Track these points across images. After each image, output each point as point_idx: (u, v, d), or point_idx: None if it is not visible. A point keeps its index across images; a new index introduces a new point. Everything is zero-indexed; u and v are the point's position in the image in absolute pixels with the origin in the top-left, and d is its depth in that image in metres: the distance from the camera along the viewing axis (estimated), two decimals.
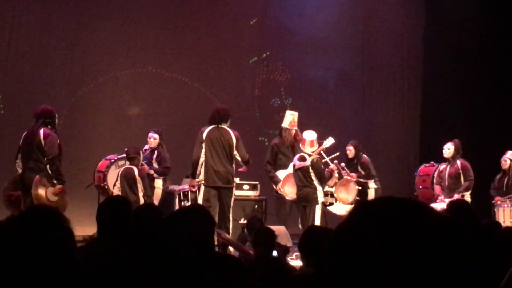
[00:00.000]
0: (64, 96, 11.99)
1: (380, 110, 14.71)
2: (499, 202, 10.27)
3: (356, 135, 13.95)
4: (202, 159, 9.13)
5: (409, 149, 14.55)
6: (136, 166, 9.26)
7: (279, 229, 8.17)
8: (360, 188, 10.37)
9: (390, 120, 14.70)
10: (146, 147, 10.23)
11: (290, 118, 10.24)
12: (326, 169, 9.69)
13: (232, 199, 9.21)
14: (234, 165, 9.24)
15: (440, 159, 10.74)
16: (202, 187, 9.13)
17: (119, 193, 9.13)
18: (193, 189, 9.38)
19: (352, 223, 1.20)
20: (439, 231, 1.16)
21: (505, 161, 10.65)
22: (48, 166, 8.33)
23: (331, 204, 10.21)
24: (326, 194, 9.66)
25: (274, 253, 5.81)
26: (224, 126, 9.23)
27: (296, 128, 10.17)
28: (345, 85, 14.61)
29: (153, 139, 10.28)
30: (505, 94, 13.21)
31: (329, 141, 9.81)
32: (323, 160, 9.87)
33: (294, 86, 14.11)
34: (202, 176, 9.12)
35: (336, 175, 10.11)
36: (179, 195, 9.73)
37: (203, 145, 9.13)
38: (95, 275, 3.03)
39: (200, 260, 2.49)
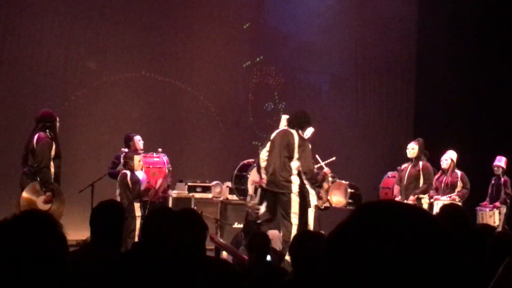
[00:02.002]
0: (57, 101, 11.96)
1: (374, 114, 14.74)
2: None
3: (350, 139, 14.00)
4: (263, 156, 8.91)
5: (402, 151, 14.56)
6: (130, 170, 9.25)
7: (273, 234, 8.16)
8: (353, 191, 10.34)
9: (383, 123, 14.73)
10: (125, 150, 10.17)
11: (284, 122, 10.23)
12: (320, 173, 9.69)
13: (289, 205, 8.74)
14: (293, 171, 8.81)
15: (434, 161, 10.71)
16: (259, 189, 8.99)
17: (119, 197, 9.15)
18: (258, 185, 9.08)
19: (349, 226, 1.20)
20: (434, 237, 1.16)
21: (446, 160, 10.49)
22: (37, 165, 8.28)
23: (326, 208, 10.18)
24: (319, 197, 9.65)
25: (268, 257, 5.81)
26: (293, 130, 8.95)
27: None
28: (339, 89, 14.63)
29: (142, 141, 10.34)
30: (502, 97, 13.20)
31: (309, 131, 9.82)
32: (318, 165, 9.88)
33: (287, 90, 14.11)
34: (264, 177, 8.91)
35: (330, 178, 10.11)
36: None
37: (268, 144, 8.95)
38: (88, 279, 3.02)
39: (190, 264, 2.49)
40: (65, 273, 1.39)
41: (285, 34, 13.87)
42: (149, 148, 10.60)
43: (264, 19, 13.96)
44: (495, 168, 11.22)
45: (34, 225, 2.18)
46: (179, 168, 12.06)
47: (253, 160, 10.54)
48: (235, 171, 10.56)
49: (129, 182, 9.17)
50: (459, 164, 10.70)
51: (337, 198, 10.21)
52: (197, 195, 10.97)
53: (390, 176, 11.34)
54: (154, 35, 12.91)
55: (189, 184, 11.09)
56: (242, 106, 13.87)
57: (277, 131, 9.07)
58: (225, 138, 13.27)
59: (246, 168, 10.41)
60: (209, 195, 10.97)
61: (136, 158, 9.47)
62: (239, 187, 10.47)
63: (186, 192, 10.97)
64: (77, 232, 8.38)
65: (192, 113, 13.24)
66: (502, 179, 11.18)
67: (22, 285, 1.31)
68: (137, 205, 9.14)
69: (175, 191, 10.93)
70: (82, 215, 8.55)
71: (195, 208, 10.19)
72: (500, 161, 11.24)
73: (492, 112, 13.34)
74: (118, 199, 9.11)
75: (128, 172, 9.22)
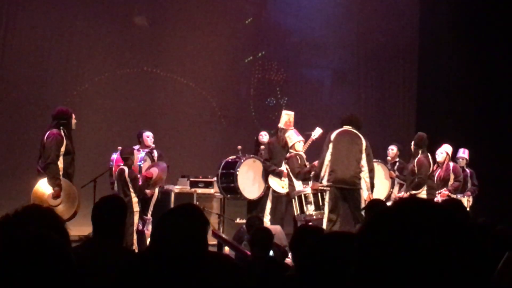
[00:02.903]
0: (59, 96, 11.97)
1: (376, 108, 14.73)
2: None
3: None
4: (327, 160, 9.07)
5: (404, 146, 14.56)
6: (129, 167, 9.24)
7: (275, 229, 8.17)
8: None
9: (385, 118, 14.72)
10: (137, 147, 10.19)
11: (285, 118, 10.24)
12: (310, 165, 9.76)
13: (360, 201, 8.95)
14: (362, 169, 9.05)
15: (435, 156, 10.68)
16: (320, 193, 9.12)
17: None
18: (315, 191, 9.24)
19: (385, 220, 1.24)
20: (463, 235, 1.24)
21: (442, 153, 10.38)
22: (44, 162, 8.36)
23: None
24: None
25: (271, 253, 5.81)
26: (356, 130, 9.20)
27: (292, 128, 10.18)
28: (341, 84, 14.62)
29: (152, 137, 10.31)
30: (504, 93, 13.16)
31: (317, 132, 9.88)
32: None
33: (289, 85, 14.11)
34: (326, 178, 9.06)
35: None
36: (300, 197, 9.35)
37: (330, 146, 9.09)
38: (90, 275, 3.02)
39: (192, 259, 2.49)
40: (69, 265, 1.39)
41: (287, 29, 13.86)
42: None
43: (266, 14, 13.95)
44: (459, 160, 11.03)
45: (36, 220, 2.19)
46: (181, 163, 12.07)
47: (234, 157, 10.45)
48: (220, 170, 10.31)
49: (127, 179, 9.17)
50: (455, 159, 10.72)
51: None
52: (199, 190, 10.97)
53: None
54: (156, 31, 12.91)
55: (191, 179, 11.08)
56: (244, 101, 13.86)
57: (336, 132, 9.16)
58: (227, 133, 13.27)
59: (233, 165, 10.23)
60: (211, 190, 10.96)
61: (136, 154, 9.49)
62: (228, 185, 10.27)
63: (188, 187, 10.97)
64: (80, 227, 8.40)
65: (194, 108, 13.24)
66: (468, 171, 11.09)
67: (28, 278, 1.32)
68: (135, 200, 9.15)
69: (177, 186, 10.93)
70: (84, 211, 8.55)
71: (197, 203, 10.19)
72: (464, 153, 11.12)
73: (496, 107, 13.28)
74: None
75: (126, 169, 9.21)
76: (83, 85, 12.34)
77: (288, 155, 9.83)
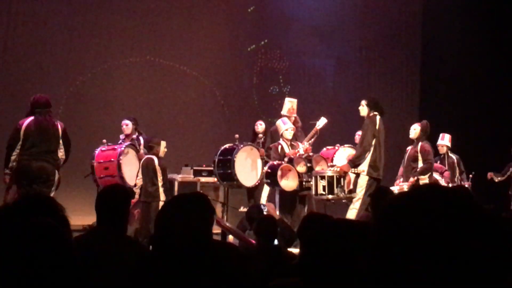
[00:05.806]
0: (62, 86, 11.96)
1: (379, 97, 14.64)
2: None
3: (355, 123, 13.94)
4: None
5: (407, 134, 14.51)
6: (156, 155, 9.17)
7: (269, 205, 8.19)
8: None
9: (389, 107, 14.64)
10: (122, 136, 10.17)
11: (288, 105, 10.20)
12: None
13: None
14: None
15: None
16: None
17: (140, 181, 9.14)
18: None
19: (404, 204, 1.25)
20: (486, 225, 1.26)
21: (414, 129, 10.36)
22: (65, 156, 8.24)
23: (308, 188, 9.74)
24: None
25: (275, 242, 5.79)
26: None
27: (295, 115, 10.14)
28: (344, 72, 14.57)
29: (125, 125, 10.21)
30: (508, 82, 13.09)
31: (322, 121, 9.84)
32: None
33: (292, 73, 14.06)
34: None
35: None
36: None
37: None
38: (94, 264, 3.01)
39: (196, 248, 2.47)
40: (70, 253, 1.37)
41: (290, 17, 13.80)
42: (153, 132, 10.59)
43: (268, 2, 13.89)
44: (439, 147, 10.84)
45: (36, 208, 2.17)
46: (185, 152, 12.06)
47: (232, 144, 10.29)
48: (217, 157, 10.07)
49: (158, 168, 9.10)
50: (459, 148, 10.69)
51: (287, 182, 9.61)
52: (203, 179, 10.95)
53: (329, 148, 10.85)
54: (158, 20, 12.86)
55: (194, 168, 11.06)
56: (247, 90, 13.83)
57: (379, 120, 9.31)
58: (230, 122, 13.24)
59: (231, 151, 9.98)
60: (215, 179, 10.94)
61: (163, 143, 9.37)
62: (225, 172, 10.02)
63: (192, 176, 10.96)
64: (84, 217, 8.41)
65: (197, 97, 13.21)
66: (454, 157, 10.90)
67: (28, 265, 1.30)
68: (161, 190, 9.10)
69: (180, 175, 10.92)
70: (88, 200, 8.55)
71: (201, 192, 10.17)
72: (444, 139, 10.93)
73: (500, 95, 13.21)
74: (139, 182, 9.09)
75: (155, 158, 9.15)
76: (86, 74, 12.32)
77: (271, 144, 9.80)
